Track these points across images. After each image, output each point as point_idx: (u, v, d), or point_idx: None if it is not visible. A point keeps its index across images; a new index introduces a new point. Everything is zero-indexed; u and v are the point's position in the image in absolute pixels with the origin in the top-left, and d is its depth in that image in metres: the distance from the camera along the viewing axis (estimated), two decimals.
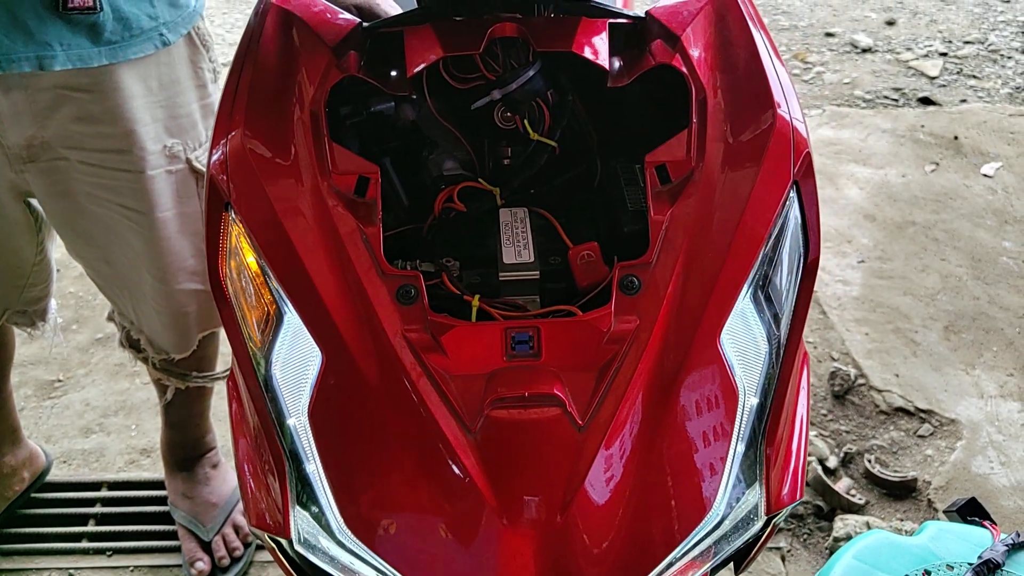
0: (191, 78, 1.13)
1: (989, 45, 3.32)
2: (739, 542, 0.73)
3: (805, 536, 1.52)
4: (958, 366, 1.85)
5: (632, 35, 0.86)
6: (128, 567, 1.46)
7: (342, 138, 0.83)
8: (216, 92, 1.16)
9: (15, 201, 1.17)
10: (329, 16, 0.86)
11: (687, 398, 0.70)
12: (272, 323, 0.73)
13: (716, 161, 0.77)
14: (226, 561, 1.43)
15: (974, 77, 3.08)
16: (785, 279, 0.76)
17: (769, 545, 1.48)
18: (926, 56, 3.24)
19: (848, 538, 1.43)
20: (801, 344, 0.78)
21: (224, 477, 1.52)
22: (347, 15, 0.88)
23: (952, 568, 0.87)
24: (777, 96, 0.79)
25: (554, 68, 0.85)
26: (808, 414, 0.82)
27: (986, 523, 0.95)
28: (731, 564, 0.78)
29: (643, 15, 0.85)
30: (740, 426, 0.72)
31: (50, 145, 1.08)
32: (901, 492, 1.58)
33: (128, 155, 1.08)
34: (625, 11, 0.87)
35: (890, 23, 3.53)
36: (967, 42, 3.34)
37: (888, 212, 2.35)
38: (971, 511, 0.98)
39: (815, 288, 2.23)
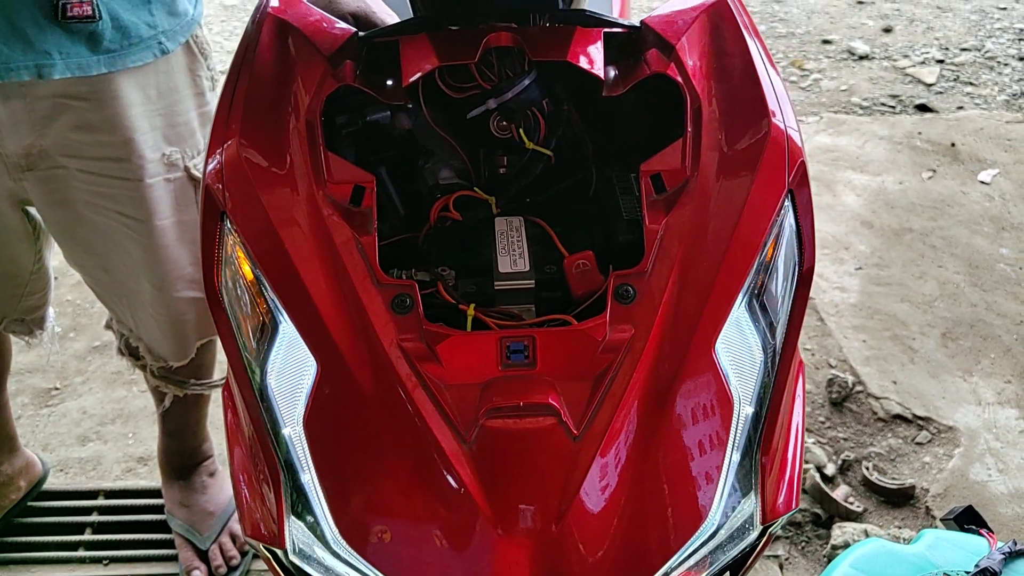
0: (189, 86, 1.13)
1: (986, 52, 3.33)
2: (735, 551, 0.73)
3: (803, 544, 1.51)
4: (956, 373, 1.85)
5: (627, 44, 0.87)
6: None
7: (338, 147, 0.83)
8: (214, 100, 1.16)
9: (13, 209, 1.18)
10: (325, 25, 0.87)
11: (682, 407, 0.70)
12: (267, 332, 0.73)
13: (711, 170, 0.77)
14: (223, 570, 1.42)
15: (971, 84, 3.09)
16: (780, 288, 0.76)
17: (767, 553, 1.48)
18: (923, 63, 3.25)
19: (846, 546, 1.43)
20: (796, 353, 0.78)
21: (221, 485, 1.52)
22: (343, 24, 0.88)
23: None
24: (772, 105, 0.79)
25: (549, 77, 0.86)
26: (804, 423, 0.82)
27: (983, 531, 0.95)
28: (728, 573, 0.78)
29: (638, 24, 0.86)
30: (735, 435, 0.72)
31: (48, 153, 1.08)
32: (899, 499, 1.58)
33: (127, 163, 1.09)
34: (620, 20, 0.87)
35: (887, 30, 3.54)
36: (964, 49, 3.35)
37: (885, 219, 2.36)
38: (968, 519, 0.98)
39: (813, 295, 2.22)
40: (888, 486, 1.58)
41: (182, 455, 1.49)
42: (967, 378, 1.84)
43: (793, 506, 0.76)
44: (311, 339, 0.71)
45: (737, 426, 0.72)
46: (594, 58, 0.81)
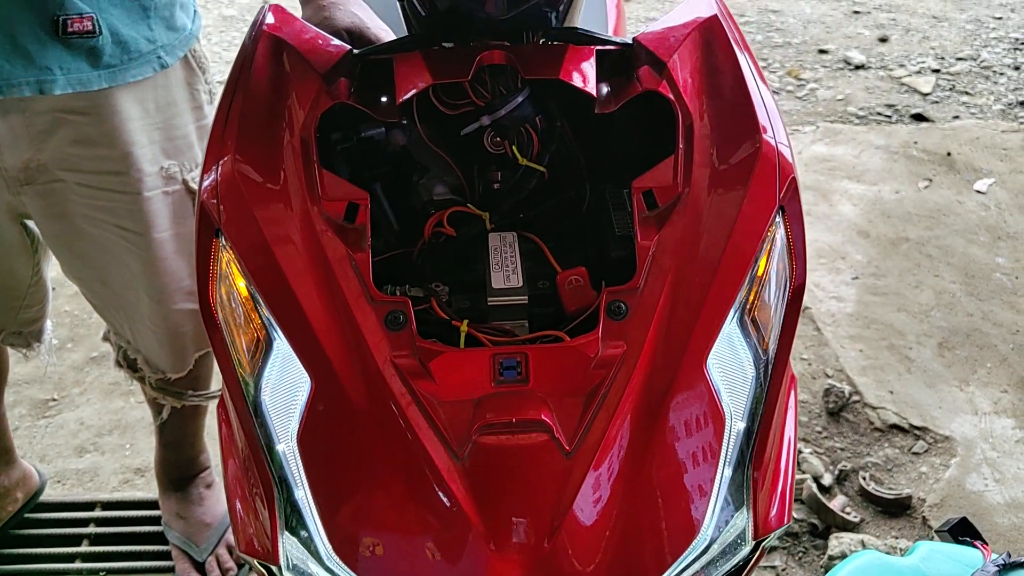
0: (187, 100, 1.14)
1: (982, 62, 3.35)
2: (728, 566, 0.73)
3: (800, 554, 1.52)
4: (952, 383, 1.85)
5: (619, 62, 0.87)
6: None
7: (332, 164, 0.83)
8: (212, 113, 1.17)
9: (12, 223, 1.18)
10: (320, 43, 0.87)
11: (674, 423, 0.71)
12: (262, 349, 0.73)
13: (702, 186, 0.78)
14: None
15: (967, 93, 3.11)
16: (772, 303, 0.76)
17: (764, 564, 1.48)
18: (919, 73, 3.26)
19: (843, 556, 1.43)
20: (788, 367, 0.79)
21: (218, 497, 1.52)
22: (338, 42, 0.89)
23: None
24: (763, 121, 0.80)
25: (543, 94, 0.86)
26: (796, 437, 0.82)
27: (977, 543, 0.95)
28: None
29: (630, 41, 0.86)
30: (727, 450, 0.72)
31: (47, 167, 1.08)
32: (896, 509, 1.58)
33: (125, 176, 1.09)
34: (612, 38, 0.88)
35: (883, 40, 3.56)
36: (960, 59, 3.37)
37: (882, 228, 2.37)
38: (963, 531, 0.98)
39: (809, 305, 2.22)
40: (885, 496, 1.58)
41: (179, 466, 1.50)
42: (963, 388, 1.84)
43: (786, 521, 0.76)
44: (305, 355, 0.71)
45: (729, 441, 0.72)
46: (586, 75, 0.82)
